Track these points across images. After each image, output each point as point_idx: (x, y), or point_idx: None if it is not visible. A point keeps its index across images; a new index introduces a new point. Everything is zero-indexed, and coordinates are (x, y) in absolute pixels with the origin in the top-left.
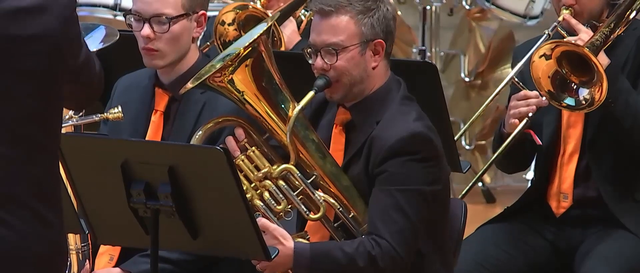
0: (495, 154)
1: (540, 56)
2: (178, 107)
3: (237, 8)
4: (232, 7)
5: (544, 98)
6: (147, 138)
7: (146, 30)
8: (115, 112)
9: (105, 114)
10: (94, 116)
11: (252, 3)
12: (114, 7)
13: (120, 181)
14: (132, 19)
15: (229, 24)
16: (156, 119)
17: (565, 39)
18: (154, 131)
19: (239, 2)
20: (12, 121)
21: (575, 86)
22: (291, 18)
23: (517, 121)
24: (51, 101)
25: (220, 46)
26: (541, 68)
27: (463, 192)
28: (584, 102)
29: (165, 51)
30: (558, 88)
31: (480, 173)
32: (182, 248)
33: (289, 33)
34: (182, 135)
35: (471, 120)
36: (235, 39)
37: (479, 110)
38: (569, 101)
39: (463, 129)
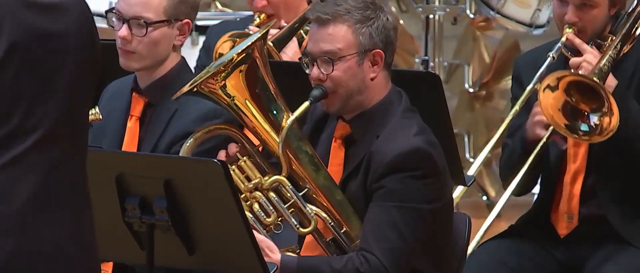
0: (526, 165)
1: (545, 89)
2: (153, 112)
3: (233, 36)
4: (226, 37)
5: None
6: (124, 144)
7: (123, 31)
8: (93, 113)
9: None
10: None
11: (248, 28)
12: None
13: (115, 195)
14: (114, 18)
15: None
16: (131, 125)
17: (570, 64)
18: (130, 138)
19: (235, 31)
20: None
21: (586, 113)
22: (293, 39)
23: (543, 131)
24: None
25: None
26: (549, 103)
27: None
28: (594, 127)
29: (141, 54)
30: (571, 118)
31: (513, 185)
32: (178, 264)
33: (292, 54)
34: (150, 141)
35: (482, 156)
36: None
37: (488, 146)
38: (584, 127)
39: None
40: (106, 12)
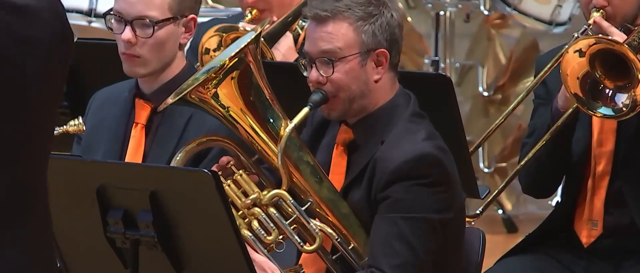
0: (551, 129)
1: (575, 51)
2: (161, 119)
3: (219, 31)
4: (213, 31)
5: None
6: (127, 155)
7: (127, 34)
8: (75, 124)
9: (64, 127)
10: None
11: (240, 23)
12: (89, 13)
13: (96, 208)
14: (113, 20)
15: (214, 51)
16: (137, 133)
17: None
18: (135, 147)
19: (223, 24)
20: None
21: (610, 93)
22: (287, 33)
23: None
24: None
25: None
26: (572, 65)
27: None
28: (624, 109)
29: (147, 58)
30: (588, 94)
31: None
32: None
33: (285, 50)
34: (164, 152)
35: (486, 133)
36: None
37: (498, 120)
38: (605, 110)
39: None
40: (104, 14)
